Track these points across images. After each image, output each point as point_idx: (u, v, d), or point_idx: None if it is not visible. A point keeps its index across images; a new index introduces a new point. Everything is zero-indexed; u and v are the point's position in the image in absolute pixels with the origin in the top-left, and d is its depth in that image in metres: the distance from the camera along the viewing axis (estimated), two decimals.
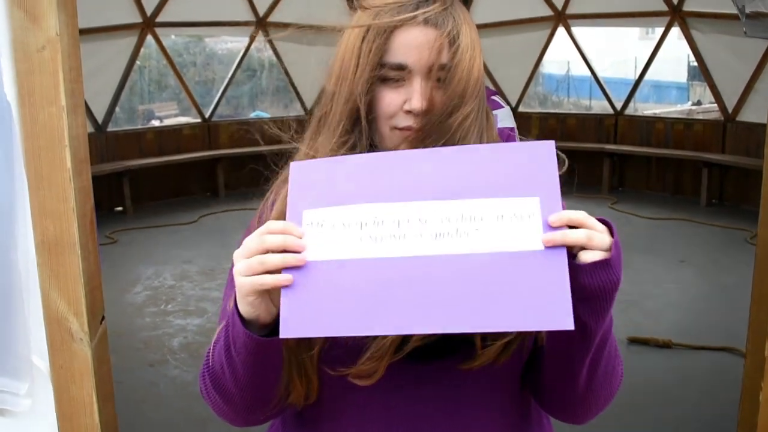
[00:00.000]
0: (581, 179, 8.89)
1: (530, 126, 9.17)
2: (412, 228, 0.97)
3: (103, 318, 1.53)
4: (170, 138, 8.70)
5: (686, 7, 8.07)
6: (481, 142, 1.13)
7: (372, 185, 1.00)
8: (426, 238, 0.96)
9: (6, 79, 1.32)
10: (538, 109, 10.97)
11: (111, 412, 1.56)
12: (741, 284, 5.38)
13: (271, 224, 1.00)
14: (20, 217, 1.38)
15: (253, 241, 0.99)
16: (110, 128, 8.34)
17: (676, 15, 8.13)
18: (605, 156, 8.66)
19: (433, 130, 1.11)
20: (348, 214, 0.98)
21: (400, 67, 1.12)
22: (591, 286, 0.96)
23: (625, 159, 8.75)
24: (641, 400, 3.81)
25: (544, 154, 0.97)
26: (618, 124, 8.88)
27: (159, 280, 5.83)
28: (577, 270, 0.95)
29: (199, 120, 8.97)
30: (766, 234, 1.49)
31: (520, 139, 2.34)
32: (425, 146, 1.08)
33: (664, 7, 8.17)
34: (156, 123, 10.83)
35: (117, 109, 8.68)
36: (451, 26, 1.11)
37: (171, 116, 11.68)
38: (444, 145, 1.09)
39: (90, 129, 7.98)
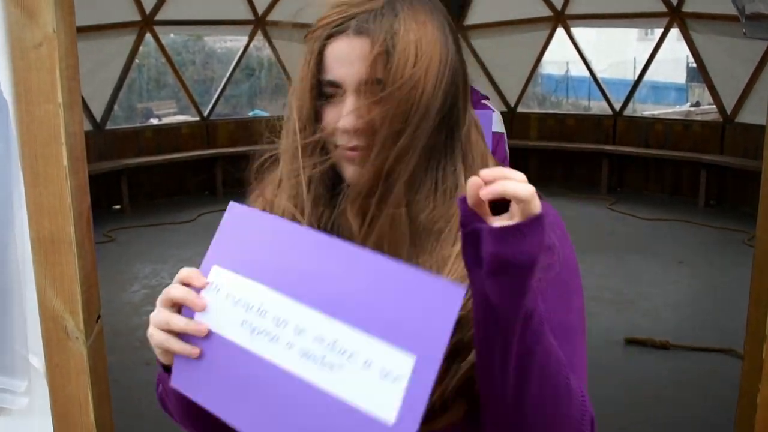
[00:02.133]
0: (579, 180, 8.91)
1: (529, 126, 9.17)
2: (287, 334, 0.92)
3: (99, 317, 1.53)
4: (169, 136, 8.69)
5: (685, 8, 8.07)
6: (451, 164, 1.04)
7: (279, 268, 0.95)
8: (294, 352, 0.91)
9: (2, 75, 1.32)
10: (537, 110, 10.97)
11: (107, 411, 1.56)
12: (738, 286, 5.38)
13: (182, 272, 1.00)
14: (17, 214, 1.37)
15: (166, 290, 1.00)
16: (109, 126, 8.33)
17: (676, 16, 8.14)
18: (604, 157, 8.66)
19: (382, 150, 1.00)
20: (244, 290, 0.96)
21: (333, 84, 1.03)
22: (495, 254, 0.83)
23: (623, 160, 8.74)
24: (638, 400, 3.82)
25: (450, 301, 0.82)
26: (617, 124, 8.88)
27: (157, 278, 5.82)
28: (484, 235, 0.84)
29: (197, 118, 8.96)
30: (765, 236, 1.49)
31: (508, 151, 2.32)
32: (375, 168, 1.01)
33: (663, 8, 8.17)
34: (154, 121, 10.82)
35: (116, 107, 8.67)
36: (386, 33, 0.99)
37: (170, 114, 11.68)
38: (398, 167, 1.00)
39: (88, 127, 7.97)
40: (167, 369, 1.02)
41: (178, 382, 0.98)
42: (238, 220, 1.00)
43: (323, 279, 0.91)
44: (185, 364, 0.97)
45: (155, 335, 0.99)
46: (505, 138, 2.26)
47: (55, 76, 1.31)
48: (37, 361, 1.44)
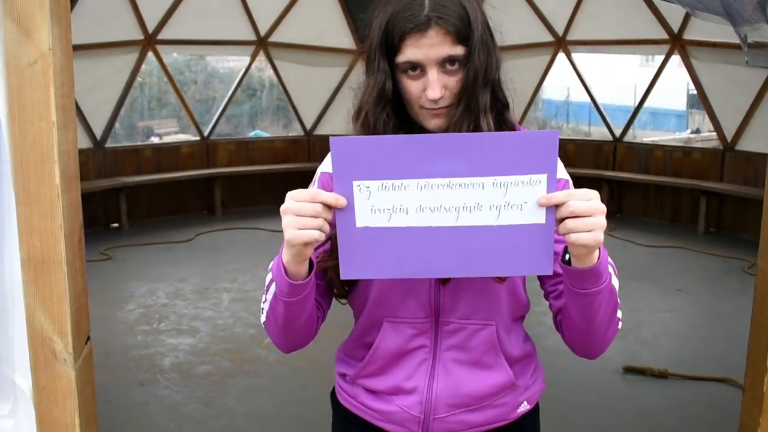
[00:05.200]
0: None
1: None
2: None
3: (88, 338, 1.50)
4: (168, 155, 8.68)
5: (686, 36, 8.10)
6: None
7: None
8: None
9: None
10: None
11: None
12: (738, 314, 5.35)
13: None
14: (7, 233, 1.35)
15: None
16: (109, 144, 8.32)
17: (677, 43, 8.16)
18: (603, 182, 8.65)
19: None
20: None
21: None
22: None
23: (623, 186, 8.74)
24: (635, 430, 3.77)
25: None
26: (617, 150, 8.88)
27: (152, 298, 5.79)
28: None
29: (198, 138, 8.96)
30: (766, 267, 1.47)
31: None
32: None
33: (665, 35, 8.20)
34: (155, 140, 10.83)
35: (117, 125, 8.68)
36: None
37: (171, 133, 11.69)
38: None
39: (89, 144, 7.97)
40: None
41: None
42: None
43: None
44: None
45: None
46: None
47: (50, 94, 1.30)
48: (24, 382, 1.41)
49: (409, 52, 1.34)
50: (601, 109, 9.15)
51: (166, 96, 11.82)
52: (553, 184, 1.20)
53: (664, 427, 3.81)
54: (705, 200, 7.94)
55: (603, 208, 1.23)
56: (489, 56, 1.39)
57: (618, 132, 8.94)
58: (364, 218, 1.23)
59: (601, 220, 1.22)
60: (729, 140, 8.01)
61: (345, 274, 1.27)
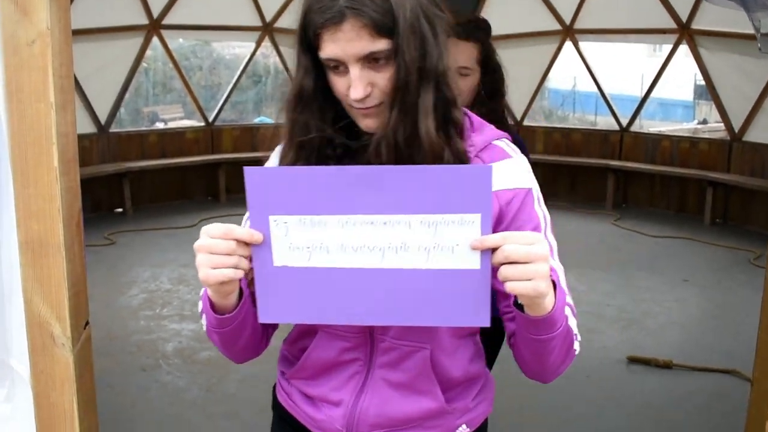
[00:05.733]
0: (585, 195, 8.86)
1: (535, 140, 9.13)
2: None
3: (87, 323, 1.48)
4: (173, 141, 8.66)
5: (695, 25, 8.03)
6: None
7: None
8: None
9: None
10: (544, 123, 10.91)
11: (93, 420, 1.51)
12: (744, 305, 5.33)
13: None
14: (5, 216, 1.33)
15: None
16: (113, 129, 8.30)
17: (685, 32, 8.10)
18: (610, 172, 8.61)
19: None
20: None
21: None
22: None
23: (629, 176, 8.70)
24: (639, 420, 3.76)
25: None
26: (623, 140, 8.83)
27: (156, 283, 5.78)
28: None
29: (202, 124, 8.94)
30: None
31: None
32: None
33: (673, 25, 8.13)
34: (160, 125, 10.81)
35: (121, 110, 8.65)
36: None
37: (176, 119, 11.67)
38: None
39: (92, 129, 7.95)
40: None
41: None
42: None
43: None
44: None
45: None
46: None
47: (48, 75, 1.27)
48: (21, 367, 1.39)
49: (328, 48, 1.21)
50: (608, 98, 9.09)
51: (171, 82, 11.79)
52: (488, 225, 1.09)
53: (668, 418, 3.79)
54: (712, 191, 7.89)
55: (544, 253, 1.10)
56: (424, 48, 1.21)
57: (625, 122, 8.89)
58: (281, 257, 1.15)
59: (542, 268, 1.09)
60: (736, 131, 7.96)
61: (262, 317, 1.20)
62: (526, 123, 9.30)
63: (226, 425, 3.66)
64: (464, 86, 2.34)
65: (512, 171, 1.31)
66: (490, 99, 2.40)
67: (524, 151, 1.77)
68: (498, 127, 1.40)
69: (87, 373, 1.47)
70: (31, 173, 1.31)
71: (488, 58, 2.42)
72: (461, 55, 2.31)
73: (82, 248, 1.45)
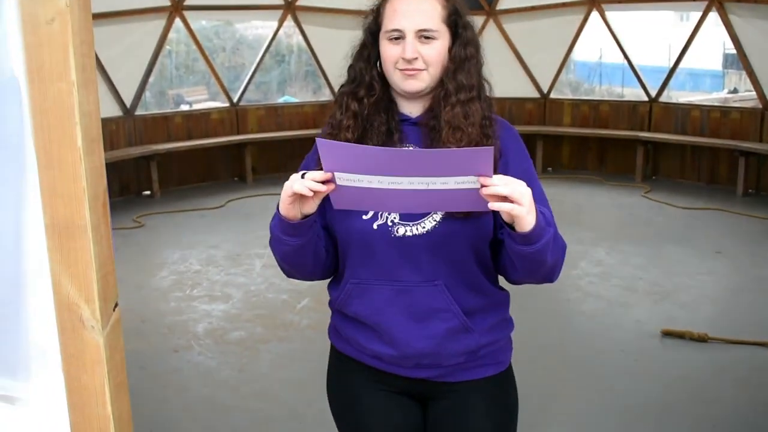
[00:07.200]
0: (614, 167, 8.75)
1: (562, 113, 9.01)
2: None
3: (116, 305, 1.46)
4: (198, 122, 8.67)
5: None
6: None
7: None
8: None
9: (14, 52, 1.26)
10: (571, 96, 10.77)
11: (124, 402, 1.50)
12: None
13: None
14: (30, 197, 1.32)
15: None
16: (139, 112, 8.32)
17: (714, 0, 7.91)
18: (639, 144, 8.49)
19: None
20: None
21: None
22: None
23: (659, 147, 8.57)
24: (674, 394, 3.71)
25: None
26: (652, 111, 8.69)
27: (185, 264, 5.80)
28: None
29: (227, 104, 8.93)
30: None
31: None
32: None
33: None
34: (185, 107, 10.81)
35: (147, 93, 8.66)
36: None
37: (201, 101, 11.67)
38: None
39: (118, 112, 7.98)
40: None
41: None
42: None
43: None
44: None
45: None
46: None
47: (68, 53, 1.24)
48: (52, 351, 1.38)
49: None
50: (636, 69, 8.93)
51: (195, 63, 11.76)
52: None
53: (704, 391, 3.74)
54: (744, 161, 7.74)
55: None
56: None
57: (653, 92, 8.73)
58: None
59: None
60: None
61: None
62: (552, 96, 9.19)
63: (259, 406, 3.66)
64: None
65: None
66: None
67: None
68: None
69: (117, 355, 1.46)
70: (55, 154, 1.29)
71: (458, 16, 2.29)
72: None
73: (108, 229, 1.43)
